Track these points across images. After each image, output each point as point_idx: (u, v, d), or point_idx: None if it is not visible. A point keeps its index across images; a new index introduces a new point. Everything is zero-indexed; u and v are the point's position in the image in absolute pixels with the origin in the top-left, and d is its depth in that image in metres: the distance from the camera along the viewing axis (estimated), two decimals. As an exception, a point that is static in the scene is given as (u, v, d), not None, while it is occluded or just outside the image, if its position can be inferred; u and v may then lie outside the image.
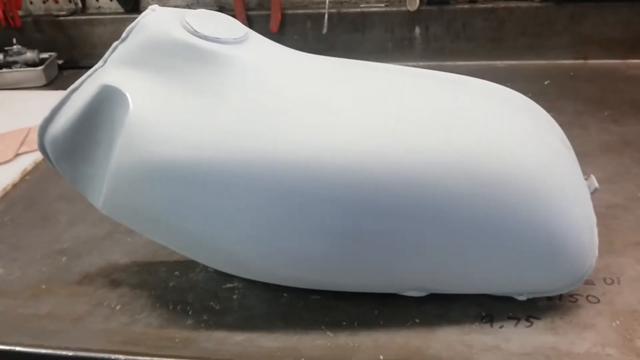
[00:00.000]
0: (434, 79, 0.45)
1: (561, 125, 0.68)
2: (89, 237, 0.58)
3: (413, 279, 0.43)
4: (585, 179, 0.46)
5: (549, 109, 0.72)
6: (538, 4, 0.82)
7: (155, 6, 0.45)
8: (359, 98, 0.42)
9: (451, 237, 0.40)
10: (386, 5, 0.87)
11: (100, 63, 0.45)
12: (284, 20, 0.90)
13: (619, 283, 0.45)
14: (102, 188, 0.45)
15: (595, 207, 0.53)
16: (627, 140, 0.65)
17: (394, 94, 0.43)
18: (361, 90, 0.43)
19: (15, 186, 0.68)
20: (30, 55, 0.97)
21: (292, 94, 0.42)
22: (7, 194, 0.67)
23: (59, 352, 0.45)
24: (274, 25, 0.90)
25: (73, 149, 0.46)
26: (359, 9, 0.88)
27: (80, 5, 1.03)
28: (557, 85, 0.79)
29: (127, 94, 0.42)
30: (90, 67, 0.45)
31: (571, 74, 0.82)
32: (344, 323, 0.44)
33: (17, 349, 0.45)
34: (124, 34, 0.44)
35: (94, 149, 0.45)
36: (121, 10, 1.02)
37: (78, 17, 1.01)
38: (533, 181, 0.39)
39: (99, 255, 0.55)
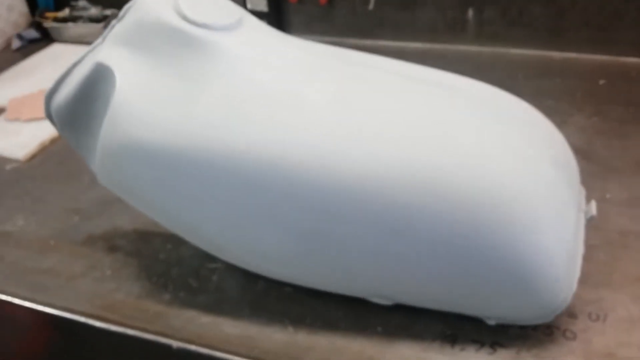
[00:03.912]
0: (426, 82, 0.43)
1: (601, 133, 0.64)
2: (103, 199, 0.61)
3: (377, 286, 0.42)
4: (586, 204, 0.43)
5: (592, 114, 0.67)
6: (605, -6, 0.75)
7: (153, -14, 0.45)
8: (341, 98, 0.40)
9: (413, 252, 0.38)
10: (440, -16, 0.82)
11: (99, 39, 0.46)
12: (334, -7, 0.88)
13: (604, 321, 0.42)
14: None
15: (607, 231, 0.49)
16: (671, 158, 0.58)
17: (376, 97, 0.41)
18: (346, 89, 0.41)
19: (53, 141, 0.72)
20: (94, 11, 1.02)
21: (272, 87, 0.41)
22: (44, 148, 0.71)
23: (45, 309, 0.48)
24: (324, -3, 0.88)
25: (74, 119, 0.48)
26: (410, -14, 0.83)
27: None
28: (612, 87, 0.72)
29: (116, 73, 0.43)
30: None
31: (633, 74, 0.74)
32: (307, 320, 0.44)
33: (7, 298, 0.49)
34: (121, 13, 0.45)
35: (91, 121, 0.47)
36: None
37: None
38: (500, 203, 0.36)
39: (106, 218, 0.58)
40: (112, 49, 0.44)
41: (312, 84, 0.41)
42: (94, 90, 0.45)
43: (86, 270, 0.52)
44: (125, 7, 0.45)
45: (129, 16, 0.44)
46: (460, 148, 0.37)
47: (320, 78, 0.41)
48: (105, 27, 0.99)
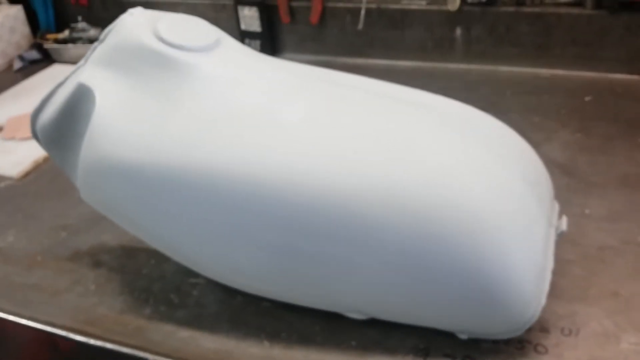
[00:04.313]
0: (401, 101, 0.43)
1: (585, 149, 0.64)
2: (92, 215, 0.61)
3: (350, 301, 0.43)
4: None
5: (576, 130, 0.68)
6: (590, 12, 0.76)
7: (134, 10, 0.46)
8: (310, 117, 0.41)
9: (383, 267, 0.39)
10: (427, 3, 0.84)
11: (82, 61, 0.47)
12: (325, 13, 0.89)
13: (577, 335, 0.42)
14: (79, 176, 0.48)
15: (584, 246, 0.50)
16: (652, 174, 0.58)
17: (348, 116, 0.41)
18: (315, 109, 0.42)
19: (46, 159, 0.73)
20: (93, 32, 1.04)
21: (243, 107, 0.42)
22: (38, 166, 0.73)
23: (28, 322, 0.49)
24: (314, 17, 0.90)
25: (58, 138, 0.49)
26: (399, 6, 0.85)
27: (144, -14, 1.08)
28: (598, 103, 0.72)
29: (96, 93, 0.44)
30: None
31: (619, 90, 0.74)
32: (284, 334, 0.45)
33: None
34: (101, 36, 0.46)
35: (74, 140, 0.48)
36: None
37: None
38: (466, 220, 0.37)
39: (94, 234, 0.59)
40: (93, 70, 0.46)
41: (286, 103, 0.42)
42: (76, 110, 0.47)
43: (71, 285, 0.53)
44: (106, 29, 0.46)
45: (109, 39, 0.46)
46: (429, 166, 0.38)
47: (295, 98, 0.42)
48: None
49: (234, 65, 0.44)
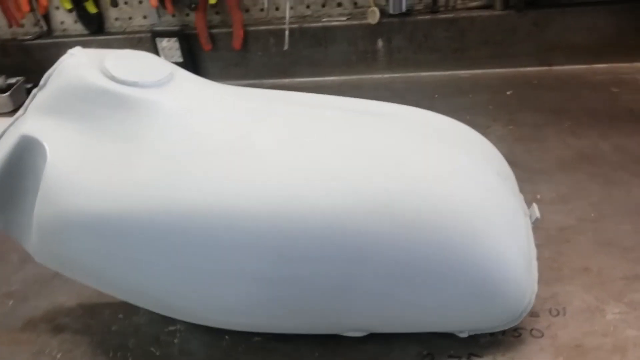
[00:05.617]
0: (366, 113, 0.44)
1: (519, 139, 0.68)
2: (38, 277, 0.57)
3: (349, 320, 0.42)
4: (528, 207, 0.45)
5: (508, 122, 0.72)
6: (499, 12, 0.81)
7: (75, 50, 0.43)
8: (282, 141, 0.41)
9: (379, 279, 0.39)
10: (348, 19, 0.86)
11: (21, 111, 0.43)
12: (247, 37, 0.89)
13: (564, 314, 0.44)
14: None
15: (546, 229, 0.52)
16: (584, 153, 0.63)
17: (320, 134, 0.41)
18: (285, 131, 0.41)
19: (-32, 224, 0.66)
20: (-4, 81, 0.96)
21: (211, 139, 0.40)
22: (-40, 233, 0.66)
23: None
24: (237, 42, 0.89)
25: (2, 199, 0.45)
26: (320, 24, 0.86)
27: (45, 28, 1.02)
28: (520, 95, 0.77)
29: (45, 145, 0.41)
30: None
31: (535, 82, 0.80)
32: (283, 367, 0.43)
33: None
34: (42, 81, 0.43)
35: (22, 198, 0.44)
36: (86, 32, 1.01)
37: (44, 41, 1.00)
38: (458, 221, 0.38)
39: (45, 297, 0.54)
40: (36, 120, 0.42)
41: (256, 130, 0.41)
42: (21, 165, 0.43)
43: (32, 358, 0.48)
44: (46, 74, 0.43)
45: (51, 83, 0.42)
46: (411, 174, 0.39)
47: (263, 123, 0.41)
48: (11, 96, 0.93)
49: (194, 97, 0.43)
